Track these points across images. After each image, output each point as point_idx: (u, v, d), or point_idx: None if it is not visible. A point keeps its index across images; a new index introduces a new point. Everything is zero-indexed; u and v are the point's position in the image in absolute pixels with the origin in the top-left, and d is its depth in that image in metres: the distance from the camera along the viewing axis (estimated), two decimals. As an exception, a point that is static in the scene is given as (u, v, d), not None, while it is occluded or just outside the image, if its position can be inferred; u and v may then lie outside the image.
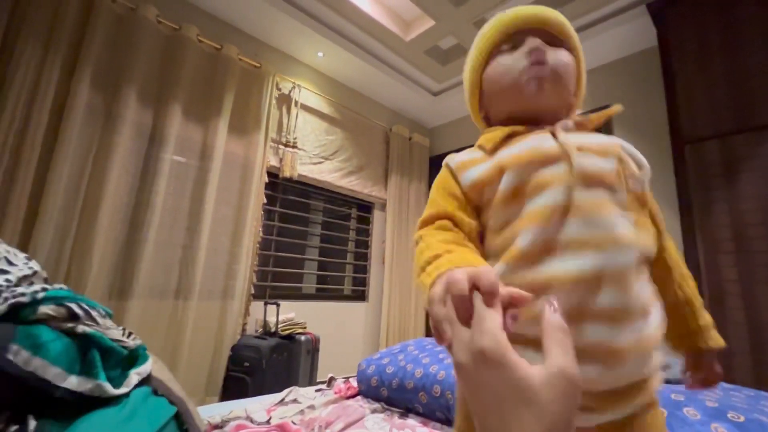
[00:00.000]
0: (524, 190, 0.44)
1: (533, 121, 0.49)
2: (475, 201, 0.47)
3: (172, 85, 2.04)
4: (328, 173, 2.81)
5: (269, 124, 2.43)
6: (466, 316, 0.27)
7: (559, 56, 0.50)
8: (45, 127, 1.65)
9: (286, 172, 2.50)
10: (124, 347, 0.66)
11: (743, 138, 1.66)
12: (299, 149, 2.62)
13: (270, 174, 2.46)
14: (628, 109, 2.43)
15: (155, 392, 0.63)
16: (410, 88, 3.07)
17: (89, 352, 0.61)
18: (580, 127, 0.49)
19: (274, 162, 2.50)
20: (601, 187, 0.43)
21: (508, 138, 0.48)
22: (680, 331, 0.52)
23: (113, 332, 0.67)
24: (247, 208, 2.26)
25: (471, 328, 0.26)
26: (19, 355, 0.54)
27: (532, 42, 0.50)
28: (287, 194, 2.68)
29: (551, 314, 0.28)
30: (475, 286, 0.28)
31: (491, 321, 0.26)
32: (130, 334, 0.69)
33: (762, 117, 1.63)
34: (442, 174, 0.51)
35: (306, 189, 2.78)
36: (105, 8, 1.84)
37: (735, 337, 1.57)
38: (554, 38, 0.51)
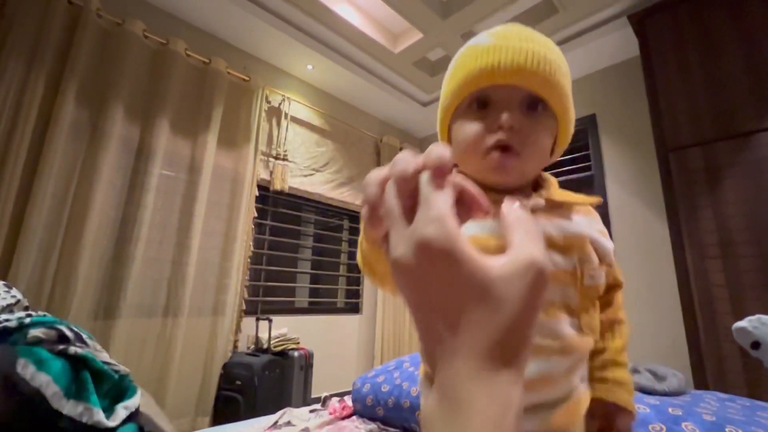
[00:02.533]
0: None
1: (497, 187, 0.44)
2: None
3: (160, 99, 2.01)
4: (319, 185, 2.80)
5: (259, 137, 2.42)
6: (408, 204, 0.21)
7: (532, 131, 0.42)
8: (29, 144, 1.62)
9: (277, 185, 2.48)
10: (116, 371, 0.63)
11: (725, 145, 1.70)
12: (290, 162, 2.61)
13: (260, 187, 2.44)
14: (614, 118, 2.49)
15: (142, 430, 0.60)
16: (400, 99, 3.09)
17: (81, 374, 0.59)
18: (552, 206, 0.44)
19: (264, 175, 2.48)
20: (553, 287, 0.41)
21: None
22: (591, 377, 0.47)
23: (102, 355, 0.66)
24: (238, 222, 2.23)
25: (415, 216, 0.20)
26: (26, 369, 0.52)
27: (504, 117, 0.40)
28: (278, 207, 2.66)
29: (512, 207, 0.22)
30: (423, 167, 0.21)
31: (440, 205, 0.20)
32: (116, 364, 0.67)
33: (742, 124, 1.67)
34: None
35: (297, 201, 2.76)
36: (91, 23, 1.82)
37: (725, 342, 1.59)
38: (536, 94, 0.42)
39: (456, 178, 0.22)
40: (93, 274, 1.75)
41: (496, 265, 0.19)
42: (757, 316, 0.82)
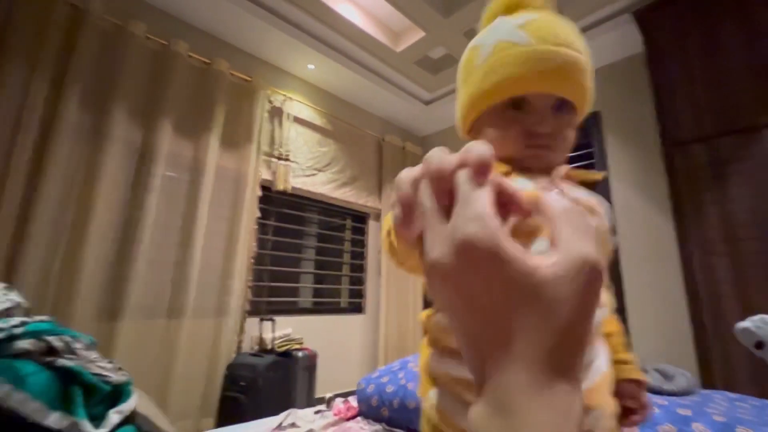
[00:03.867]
0: (524, 232, 0.41)
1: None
2: None
3: (162, 101, 2.01)
4: (322, 185, 2.79)
5: (261, 138, 2.41)
6: (445, 204, 0.20)
7: (562, 129, 0.47)
8: (32, 148, 1.62)
9: (280, 185, 2.48)
10: (107, 382, 0.63)
11: (728, 141, 1.69)
12: (292, 162, 2.60)
13: (263, 187, 2.43)
14: (619, 113, 2.47)
15: (140, 430, 0.60)
16: (402, 97, 3.08)
17: (70, 387, 0.58)
18: (566, 178, 0.48)
19: (266, 175, 2.48)
20: None
21: (508, 174, 0.46)
22: None
23: (96, 365, 0.65)
24: (241, 223, 2.23)
25: (453, 216, 0.19)
26: (1, 388, 0.52)
27: (542, 123, 0.46)
28: (281, 207, 2.65)
29: (555, 197, 0.21)
30: (461, 165, 0.20)
31: (481, 203, 0.19)
32: (119, 369, 0.66)
33: (744, 120, 1.65)
34: None
35: (300, 202, 2.76)
36: (93, 25, 1.82)
37: (733, 340, 1.57)
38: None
39: (495, 176, 0.20)
40: (96, 275, 1.75)
41: (545, 264, 0.18)
42: (760, 315, 0.81)
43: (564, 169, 0.48)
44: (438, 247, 0.19)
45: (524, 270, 0.18)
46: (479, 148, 0.20)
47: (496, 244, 0.18)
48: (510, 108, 0.47)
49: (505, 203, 0.21)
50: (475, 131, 0.52)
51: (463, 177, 0.20)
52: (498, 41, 0.47)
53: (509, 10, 0.49)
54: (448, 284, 0.19)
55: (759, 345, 0.78)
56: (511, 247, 0.18)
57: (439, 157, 0.21)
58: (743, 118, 1.66)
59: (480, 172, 0.20)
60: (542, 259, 0.18)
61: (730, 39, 1.74)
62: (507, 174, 0.46)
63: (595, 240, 0.19)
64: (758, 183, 1.58)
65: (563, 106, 0.47)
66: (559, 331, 0.17)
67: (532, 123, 0.46)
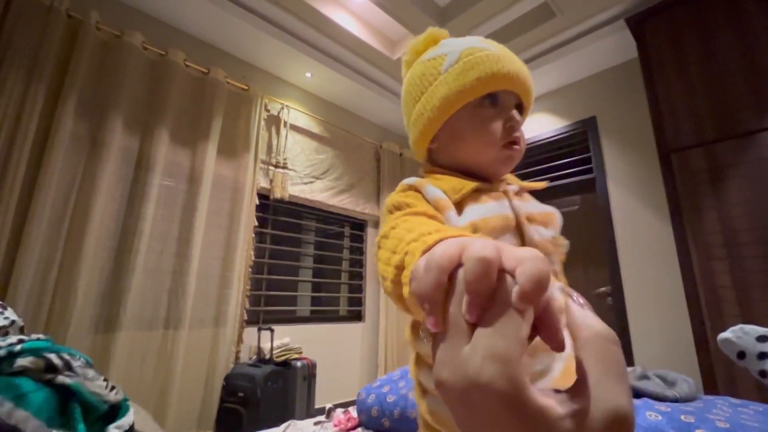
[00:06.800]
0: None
1: (482, 177, 0.50)
2: None
3: (159, 110, 2.02)
4: (320, 192, 2.79)
5: (258, 146, 2.41)
6: (477, 310, 0.17)
7: (523, 134, 0.51)
8: (28, 157, 1.61)
9: (277, 193, 2.48)
10: (105, 401, 0.62)
11: (726, 145, 1.70)
12: (290, 170, 2.60)
13: (261, 196, 2.43)
14: (614, 119, 2.49)
15: (140, 448, 0.59)
16: (399, 104, 3.08)
17: (69, 404, 0.58)
18: (519, 192, 0.51)
19: (264, 183, 2.48)
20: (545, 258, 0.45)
21: (477, 192, 0.47)
22: None
23: (94, 384, 0.64)
24: (238, 232, 2.22)
25: (475, 338, 0.17)
26: (2, 407, 0.51)
27: (516, 117, 0.49)
28: (279, 215, 2.65)
29: (584, 313, 0.19)
30: (507, 270, 0.18)
31: (512, 339, 0.16)
32: (113, 388, 0.66)
33: (742, 124, 1.67)
34: (418, 195, 0.46)
35: (298, 209, 2.75)
36: (90, 36, 1.82)
37: (734, 345, 1.57)
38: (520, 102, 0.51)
39: (547, 295, 0.18)
40: (93, 286, 1.74)
41: (569, 413, 0.16)
42: (740, 326, 0.81)
43: (515, 184, 0.51)
44: (449, 369, 0.17)
45: (545, 423, 0.16)
46: (538, 268, 0.17)
47: (516, 395, 0.15)
48: (487, 104, 0.49)
49: (540, 328, 0.18)
50: (440, 140, 0.52)
51: (504, 295, 0.17)
52: (465, 48, 0.50)
53: (434, 41, 0.57)
54: (453, 406, 0.17)
55: (741, 355, 0.78)
56: (532, 397, 0.16)
57: (487, 260, 0.17)
58: (740, 122, 1.67)
59: (529, 298, 0.17)
60: (567, 409, 0.16)
61: (725, 44, 1.75)
62: (477, 192, 0.46)
63: (626, 381, 0.17)
64: (756, 187, 1.59)
65: (519, 110, 0.51)
66: None
67: (504, 116, 0.48)
